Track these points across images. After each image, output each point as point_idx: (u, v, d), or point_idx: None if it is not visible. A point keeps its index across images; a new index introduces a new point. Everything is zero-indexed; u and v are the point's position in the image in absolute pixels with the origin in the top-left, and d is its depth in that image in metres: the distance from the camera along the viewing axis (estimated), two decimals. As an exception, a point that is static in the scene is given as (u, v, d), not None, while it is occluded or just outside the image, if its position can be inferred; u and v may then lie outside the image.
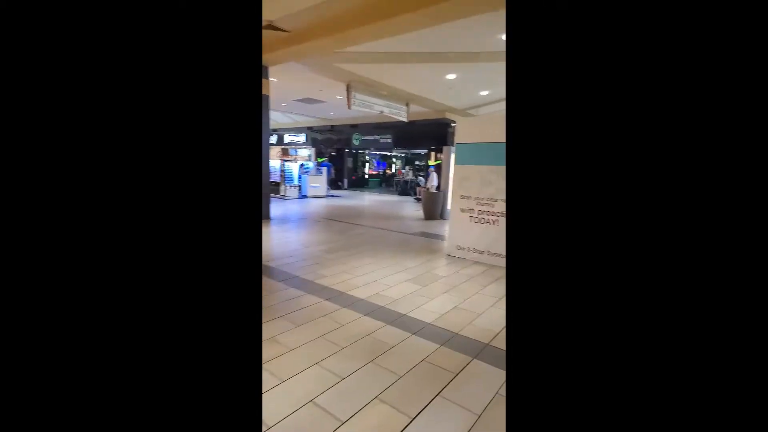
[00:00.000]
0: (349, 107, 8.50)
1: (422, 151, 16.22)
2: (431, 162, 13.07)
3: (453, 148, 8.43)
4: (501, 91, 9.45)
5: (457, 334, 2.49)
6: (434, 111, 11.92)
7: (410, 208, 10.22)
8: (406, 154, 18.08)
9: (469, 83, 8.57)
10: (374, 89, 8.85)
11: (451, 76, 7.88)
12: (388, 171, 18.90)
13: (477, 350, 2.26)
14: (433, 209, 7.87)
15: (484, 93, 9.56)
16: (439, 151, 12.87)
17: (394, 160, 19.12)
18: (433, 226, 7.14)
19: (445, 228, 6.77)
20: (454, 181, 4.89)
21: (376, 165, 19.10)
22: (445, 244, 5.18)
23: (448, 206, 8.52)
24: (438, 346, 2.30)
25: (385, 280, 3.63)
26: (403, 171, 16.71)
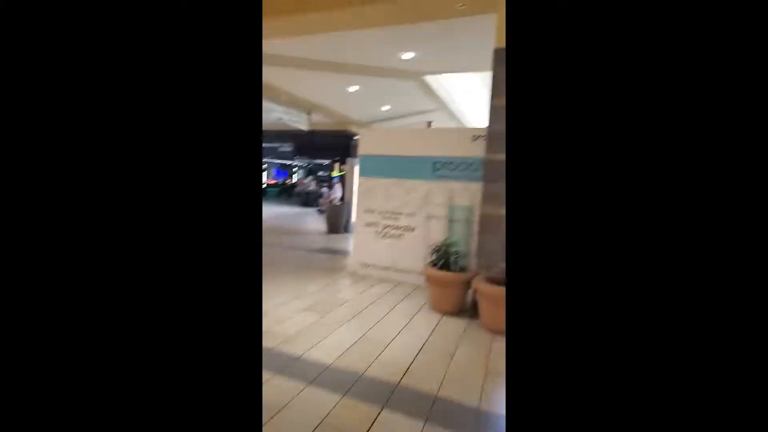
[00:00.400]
0: (241, 110, 7.60)
1: (325, 162, 15.82)
2: (335, 173, 12.74)
3: (357, 160, 8.30)
4: (401, 107, 9.73)
5: (362, 375, 2.11)
6: (337, 122, 11.67)
7: (313, 221, 9.63)
8: (309, 164, 17.42)
9: (371, 98, 8.55)
10: (272, 93, 8.13)
11: (353, 88, 7.72)
12: (288, 181, 17.89)
13: (386, 396, 1.92)
14: (337, 222, 7.49)
15: (386, 108, 9.71)
16: (342, 162, 12.64)
17: (295, 169, 18.22)
18: (336, 241, 6.73)
19: (350, 242, 6.47)
20: (358, 193, 4.59)
21: (275, 174, 17.88)
22: (350, 261, 4.83)
23: (353, 219, 8.42)
24: (339, 397, 1.88)
25: (280, 311, 3.06)
26: (305, 181, 15.99)
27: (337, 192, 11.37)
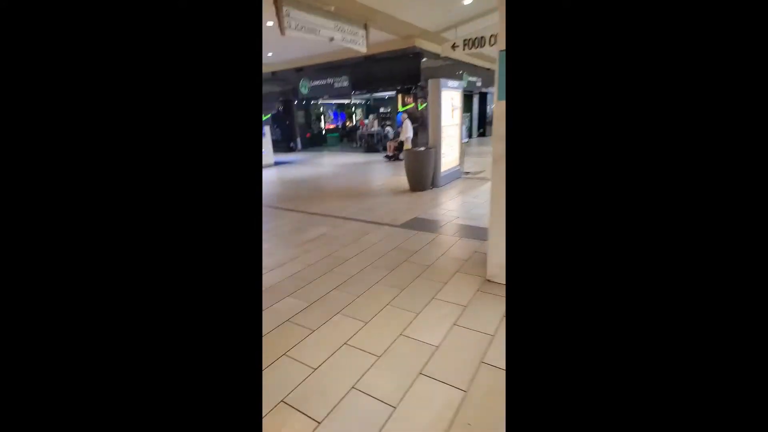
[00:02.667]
0: (282, 32, 5.48)
1: (386, 95, 13.29)
2: (401, 108, 10.36)
3: (444, 83, 5.89)
4: (491, -2, 6.72)
5: None
6: (400, 38, 8.96)
7: (384, 171, 7.73)
8: (367, 100, 15.01)
9: None
10: (317, 1, 5.82)
11: None
12: (348, 123, 15.84)
13: None
14: (422, 175, 5.46)
15: (467, 1, 6.79)
16: (407, 92, 10.12)
17: (353, 108, 15.98)
18: (429, 205, 4.78)
19: (450, 206, 4.50)
20: (495, 127, 2.46)
21: (333, 117, 15.92)
22: (490, 259, 2.91)
23: (445, 168, 6.08)
24: None
25: (379, 378, 1.35)
26: (366, 122, 13.80)
27: (409, 131, 9.12)
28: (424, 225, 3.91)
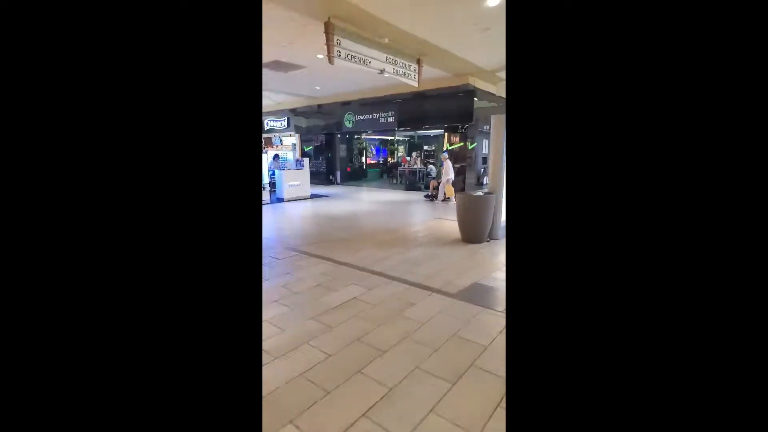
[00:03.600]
0: (330, 61, 5.02)
1: (432, 133, 12.73)
2: (447, 146, 9.63)
3: (501, 120, 5.04)
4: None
5: None
6: (453, 75, 8.41)
7: (426, 212, 6.84)
8: (411, 137, 14.56)
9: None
10: (370, 33, 5.38)
11: (492, 2, 4.42)
12: (390, 159, 15.39)
13: None
14: (479, 225, 4.49)
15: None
16: (454, 131, 9.42)
17: (396, 145, 15.59)
18: (489, 265, 3.76)
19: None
20: None
21: (375, 152, 15.59)
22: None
23: (503, 218, 5.23)
24: None
25: None
26: (408, 159, 13.22)
27: (450, 172, 8.27)
28: (489, 297, 2.89)
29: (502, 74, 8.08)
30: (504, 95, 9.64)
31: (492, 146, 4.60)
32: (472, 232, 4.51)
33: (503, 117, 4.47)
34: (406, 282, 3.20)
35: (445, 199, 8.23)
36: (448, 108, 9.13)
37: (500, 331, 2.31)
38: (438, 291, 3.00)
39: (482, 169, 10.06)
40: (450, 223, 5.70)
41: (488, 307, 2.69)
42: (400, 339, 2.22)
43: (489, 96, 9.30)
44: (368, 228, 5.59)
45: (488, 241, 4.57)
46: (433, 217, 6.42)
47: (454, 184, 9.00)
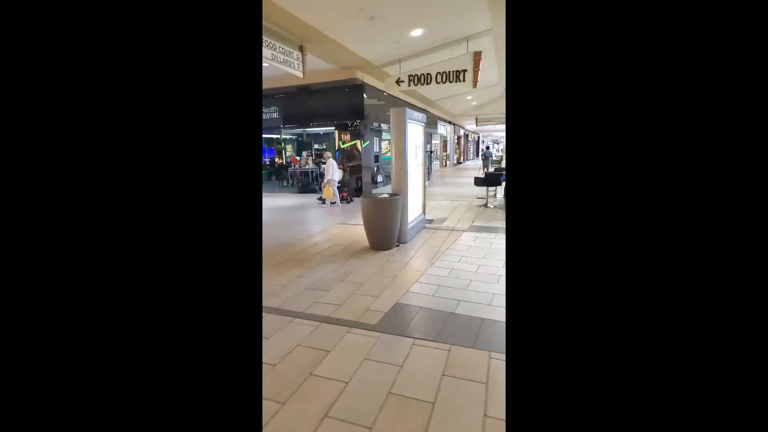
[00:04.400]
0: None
1: (321, 131, 11.96)
2: (340, 144, 9.07)
3: (410, 113, 3.95)
4: (442, 31, 6.05)
5: None
6: (340, 68, 7.85)
7: (328, 219, 6.14)
8: (300, 136, 13.48)
9: (398, 14, 4.85)
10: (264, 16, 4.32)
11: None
12: (278, 159, 13.97)
13: None
14: (387, 230, 4.04)
15: (416, 33, 6.00)
16: (344, 129, 8.93)
17: (283, 144, 14.23)
18: (405, 276, 3.31)
19: (434, 278, 2.88)
20: None
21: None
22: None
23: (411, 218, 4.44)
24: None
25: None
26: (299, 158, 12.17)
27: (333, 173, 7.58)
28: (416, 323, 2.41)
29: (390, 70, 7.91)
30: (393, 93, 9.61)
31: (393, 143, 4.20)
32: (381, 238, 4.04)
33: (403, 110, 4.11)
34: (313, 318, 2.48)
35: (333, 203, 7.59)
36: (337, 104, 8.54)
37: (443, 373, 1.84)
38: (356, 324, 2.39)
39: (375, 168, 9.87)
40: (355, 229, 5.15)
41: (419, 338, 2.21)
42: (317, 421, 1.53)
43: (378, 93, 9.09)
44: (264, 242, 4.58)
45: (398, 246, 4.18)
46: (336, 223, 5.77)
47: (347, 184, 8.49)
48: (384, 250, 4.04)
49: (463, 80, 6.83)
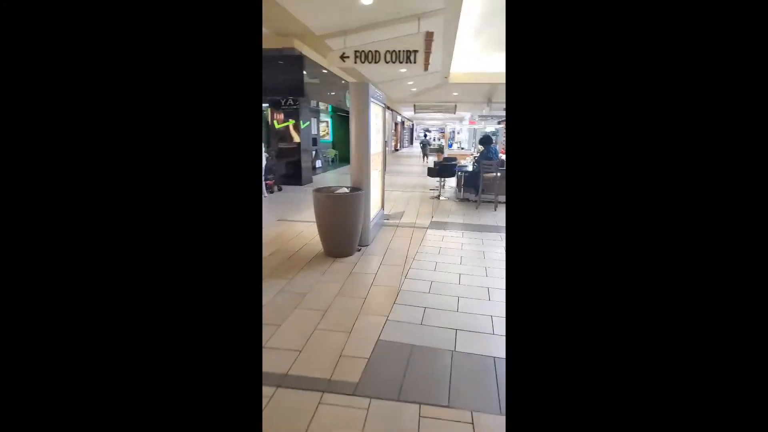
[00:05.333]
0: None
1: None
2: (275, 124, 7.83)
3: (373, 91, 3.06)
4: (394, 3, 5.31)
5: None
6: (274, 33, 6.60)
7: (264, 213, 5.08)
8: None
9: None
10: None
11: None
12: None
13: None
14: (347, 233, 3.27)
15: (367, 1, 5.17)
16: (278, 107, 7.72)
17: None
18: (375, 294, 2.64)
19: (412, 294, 2.21)
20: None
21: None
22: None
23: (372, 215, 3.63)
24: None
25: None
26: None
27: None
28: (413, 372, 1.76)
29: (333, 43, 6.91)
30: (333, 71, 8.60)
31: (354, 126, 3.40)
32: (340, 242, 3.27)
33: (366, 85, 3.33)
34: (268, 384, 1.67)
35: (270, 191, 6.53)
36: (271, 77, 7.28)
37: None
38: (330, 385, 1.66)
39: (314, 152, 8.87)
40: (300, 227, 4.26)
41: (426, 402, 1.57)
42: None
43: (317, 69, 8.00)
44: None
45: (359, 251, 3.47)
46: (274, 220, 4.77)
47: (273, 171, 7.31)
48: (344, 256, 3.30)
49: (414, 62, 6.22)
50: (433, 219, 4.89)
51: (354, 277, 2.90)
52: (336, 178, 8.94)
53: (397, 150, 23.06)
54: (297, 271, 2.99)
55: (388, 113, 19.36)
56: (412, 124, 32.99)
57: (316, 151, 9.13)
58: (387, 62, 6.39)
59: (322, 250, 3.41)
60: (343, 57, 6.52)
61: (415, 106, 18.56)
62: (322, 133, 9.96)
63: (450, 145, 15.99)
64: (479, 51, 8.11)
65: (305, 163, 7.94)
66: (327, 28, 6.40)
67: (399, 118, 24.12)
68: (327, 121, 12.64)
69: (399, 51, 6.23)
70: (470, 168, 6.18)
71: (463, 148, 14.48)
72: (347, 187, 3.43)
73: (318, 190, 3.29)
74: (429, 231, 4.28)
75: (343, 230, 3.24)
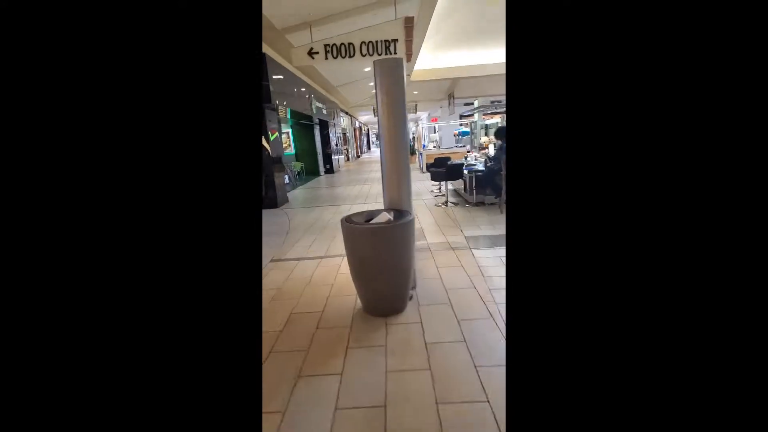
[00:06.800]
0: None
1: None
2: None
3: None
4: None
5: None
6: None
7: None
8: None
9: None
10: None
11: None
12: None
13: None
14: (397, 279, 2.21)
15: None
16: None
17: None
18: (466, 386, 1.62)
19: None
20: None
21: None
22: None
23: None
24: None
25: None
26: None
27: None
28: None
29: (296, 38, 5.76)
30: (295, 73, 7.42)
31: (384, 122, 2.36)
32: (388, 295, 2.20)
33: (399, 61, 2.32)
34: None
35: None
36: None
37: None
38: None
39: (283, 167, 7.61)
40: (307, 267, 3.09)
41: None
42: None
43: (282, 70, 6.78)
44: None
45: (410, 299, 2.44)
46: (268, 260, 3.53)
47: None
48: (395, 313, 2.25)
49: (395, 52, 5.31)
50: (465, 233, 3.97)
51: (438, 352, 1.86)
52: (314, 195, 7.73)
53: (359, 156, 22.05)
54: (342, 354, 1.88)
55: (347, 118, 18.32)
56: (367, 129, 32.16)
57: (283, 165, 7.84)
58: (363, 55, 5.39)
59: (360, 306, 2.33)
60: (311, 53, 5.39)
61: (374, 109, 17.74)
62: (284, 144, 8.70)
63: (424, 146, 15.33)
64: (434, 48, 7.44)
65: (278, 180, 6.66)
66: (288, 20, 5.27)
67: (357, 123, 23.15)
68: (287, 132, 11.32)
69: (376, 42, 5.26)
70: (480, 167, 5.39)
71: (438, 147, 13.83)
72: (387, 211, 2.37)
73: (347, 221, 2.20)
74: (475, 252, 3.35)
75: (394, 276, 2.18)
